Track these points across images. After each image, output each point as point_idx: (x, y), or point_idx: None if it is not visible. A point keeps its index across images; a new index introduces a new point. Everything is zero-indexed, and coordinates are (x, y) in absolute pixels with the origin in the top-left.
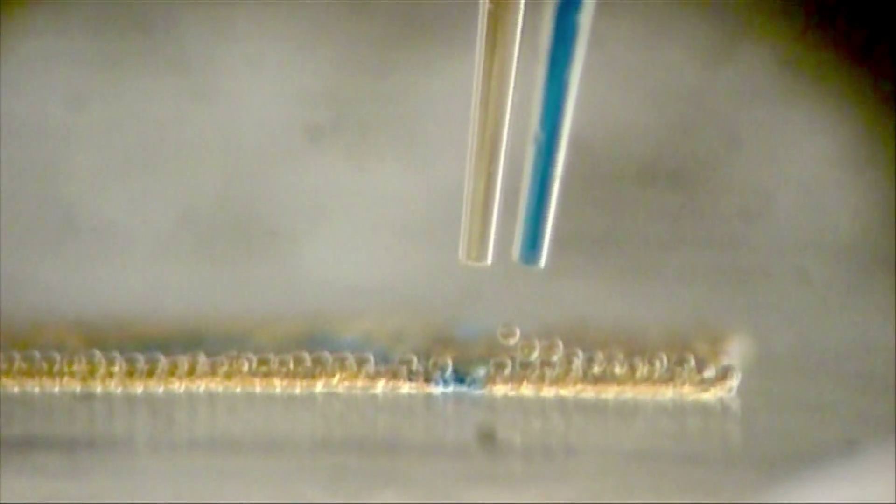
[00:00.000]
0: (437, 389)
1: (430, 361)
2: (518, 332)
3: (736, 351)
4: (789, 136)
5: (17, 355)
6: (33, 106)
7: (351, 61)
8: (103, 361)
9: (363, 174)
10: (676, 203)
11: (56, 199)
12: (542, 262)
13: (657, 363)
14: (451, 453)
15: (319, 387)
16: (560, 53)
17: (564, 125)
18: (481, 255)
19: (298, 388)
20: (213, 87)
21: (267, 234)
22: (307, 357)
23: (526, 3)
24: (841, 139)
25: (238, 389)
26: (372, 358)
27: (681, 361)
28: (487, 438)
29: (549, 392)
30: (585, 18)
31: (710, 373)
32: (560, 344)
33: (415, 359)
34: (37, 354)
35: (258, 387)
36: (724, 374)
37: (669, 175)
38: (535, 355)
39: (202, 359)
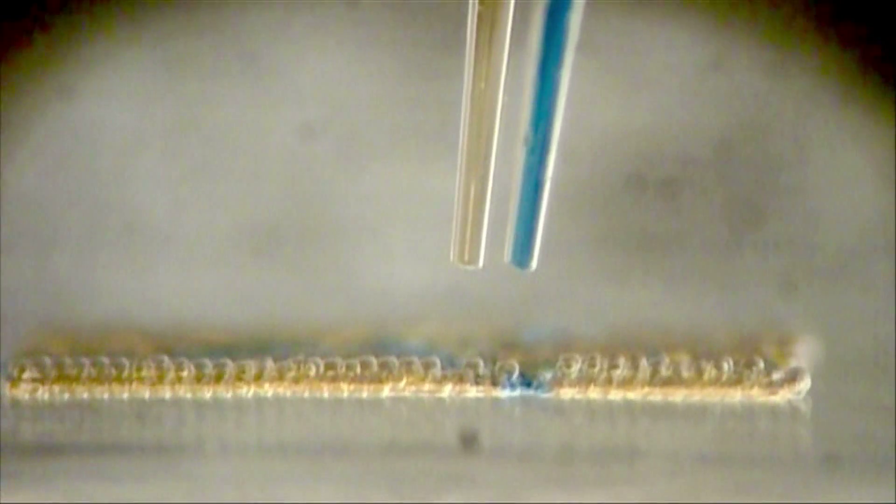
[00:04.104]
0: (503, 393)
1: (497, 365)
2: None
3: (805, 353)
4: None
5: (86, 362)
6: (100, 113)
7: (411, 67)
8: (172, 367)
9: (427, 178)
10: (744, 205)
11: (123, 206)
12: (534, 264)
13: (725, 365)
14: (518, 457)
15: (386, 391)
16: (550, 54)
17: (555, 126)
18: (473, 258)
19: (365, 392)
20: (276, 93)
21: (333, 238)
22: (374, 361)
23: (516, 5)
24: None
25: (306, 394)
26: (438, 362)
27: (749, 364)
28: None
29: (616, 395)
30: (575, 19)
31: (779, 375)
32: (625, 348)
33: (481, 362)
34: (106, 361)
35: (326, 391)
36: (793, 377)
37: (736, 177)
38: (600, 360)
39: (270, 364)
